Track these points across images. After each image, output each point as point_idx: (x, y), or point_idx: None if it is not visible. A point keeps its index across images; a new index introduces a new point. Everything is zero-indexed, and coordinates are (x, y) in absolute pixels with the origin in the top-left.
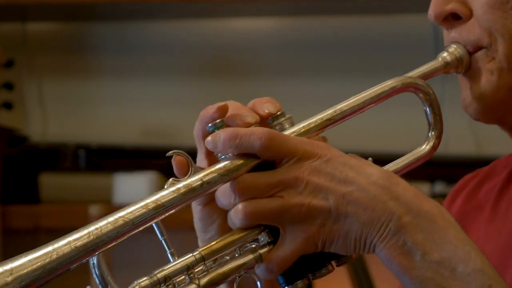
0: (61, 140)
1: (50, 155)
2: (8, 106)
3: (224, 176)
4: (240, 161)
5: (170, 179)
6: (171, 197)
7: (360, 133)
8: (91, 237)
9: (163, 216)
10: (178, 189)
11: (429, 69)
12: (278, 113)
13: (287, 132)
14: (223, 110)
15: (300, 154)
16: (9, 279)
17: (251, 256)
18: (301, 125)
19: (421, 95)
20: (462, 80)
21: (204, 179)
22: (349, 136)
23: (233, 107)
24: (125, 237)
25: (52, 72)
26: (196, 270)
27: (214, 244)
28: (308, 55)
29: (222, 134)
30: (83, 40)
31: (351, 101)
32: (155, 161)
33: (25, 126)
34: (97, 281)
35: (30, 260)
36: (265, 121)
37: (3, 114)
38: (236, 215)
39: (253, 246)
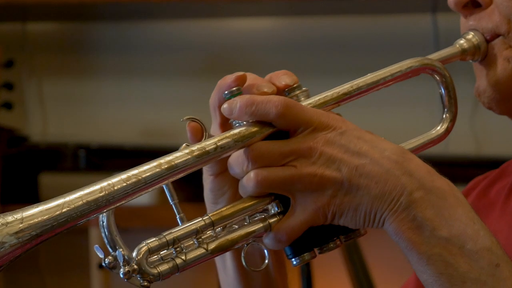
0: (61, 140)
1: (50, 155)
2: (8, 106)
3: (239, 142)
4: (255, 128)
5: (184, 144)
6: (184, 158)
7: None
8: (103, 192)
9: (175, 178)
10: (192, 151)
11: (445, 54)
12: (295, 85)
13: (303, 104)
14: (241, 80)
15: (315, 124)
16: (21, 226)
17: (260, 225)
18: (317, 98)
19: (437, 77)
20: (477, 68)
21: (218, 143)
22: None
23: (251, 78)
24: (136, 196)
25: (52, 72)
26: (204, 236)
27: (224, 210)
28: (308, 55)
29: (238, 100)
30: (83, 40)
31: (368, 77)
32: None
33: (25, 126)
34: (105, 241)
35: (41, 211)
36: (282, 93)
37: (3, 114)
38: (248, 182)
39: (263, 215)
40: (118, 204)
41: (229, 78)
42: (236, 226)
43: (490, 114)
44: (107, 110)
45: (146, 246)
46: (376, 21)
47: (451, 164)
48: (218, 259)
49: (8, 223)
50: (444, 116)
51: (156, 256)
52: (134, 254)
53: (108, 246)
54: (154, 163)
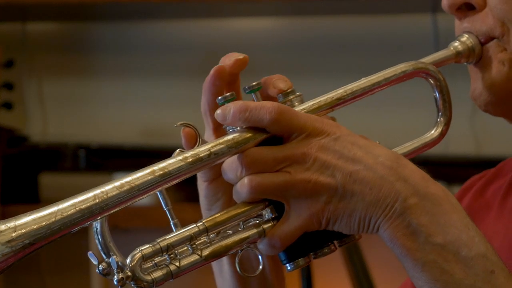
0: (61, 140)
1: (50, 155)
2: (8, 106)
3: (232, 148)
4: (249, 134)
5: (177, 150)
6: (178, 165)
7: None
8: (96, 200)
9: (169, 184)
10: (186, 157)
11: (440, 57)
12: (289, 90)
13: (297, 109)
14: (219, 74)
15: (309, 130)
16: (14, 235)
17: (254, 231)
18: (311, 103)
19: (431, 80)
20: (472, 70)
21: (212, 150)
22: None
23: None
24: (130, 203)
25: (52, 72)
26: (198, 242)
27: (218, 216)
28: (308, 55)
29: (232, 106)
30: (83, 40)
31: (362, 82)
32: (155, 161)
33: (25, 126)
34: (99, 247)
35: (34, 219)
36: (276, 98)
37: (3, 114)
38: (242, 188)
39: (257, 221)
40: (111, 211)
41: (207, 80)
42: (230, 232)
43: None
44: (107, 110)
45: (140, 253)
46: (376, 21)
47: (451, 164)
48: (215, 264)
49: (1, 232)
50: (438, 119)
51: (150, 262)
52: (128, 260)
53: (102, 253)
54: (147, 170)
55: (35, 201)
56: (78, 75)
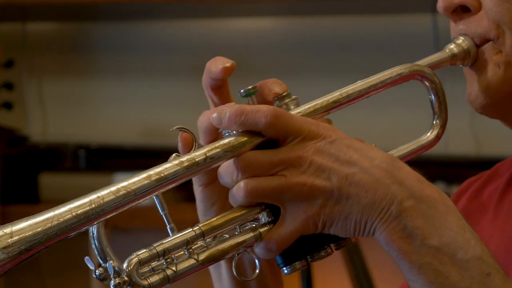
0: (61, 140)
1: (50, 155)
2: (8, 106)
3: (228, 152)
4: (244, 138)
5: (173, 154)
6: (174, 170)
7: (360, 133)
8: (93, 205)
9: (165, 189)
10: (182, 162)
11: (435, 59)
12: (284, 93)
13: (292, 113)
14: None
15: (304, 133)
16: (10, 241)
17: (251, 234)
18: (307, 106)
19: (427, 83)
20: (468, 73)
21: (207, 154)
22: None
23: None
24: (126, 208)
25: (52, 72)
26: (195, 246)
27: (214, 220)
28: (308, 55)
29: (228, 110)
30: (83, 40)
31: (358, 85)
32: (155, 161)
33: (25, 126)
34: (96, 252)
35: (30, 225)
36: (271, 101)
37: (3, 114)
38: (238, 192)
39: (253, 225)
40: (108, 216)
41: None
42: (227, 236)
43: None
44: (107, 110)
45: (136, 258)
46: (376, 21)
47: (451, 164)
48: (212, 269)
49: None
50: (434, 122)
51: (147, 267)
52: (124, 265)
53: (98, 258)
54: (143, 175)
55: (35, 201)
56: (78, 75)
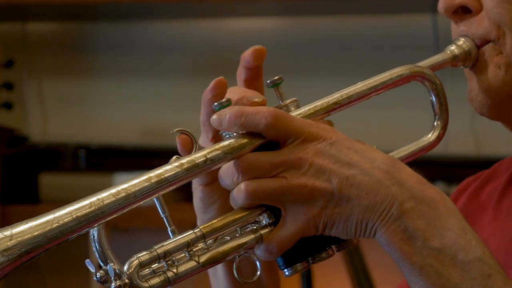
0: (61, 140)
1: (50, 155)
2: (8, 106)
3: (228, 154)
4: (245, 140)
5: (174, 157)
6: (174, 172)
7: (361, 133)
8: (93, 207)
9: (165, 191)
10: (182, 164)
11: (436, 61)
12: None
13: (293, 114)
14: (219, 86)
15: (305, 135)
16: (10, 244)
17: (251, 236)
18: (307, 108)
19: (427, 84)
20: (469, 74)
21: (208, 156)
22: (350, 135)
23: (239, 91)
24: (126, 210)
25: (52, 72)
26: (196, 248)
27: (215, 222)
28: (308, 55)
29: (228, 112)
30: (83, 40)
31: (358, 86)
32: (155, 161)
33: (25, 126)
34: (97, 255)
35: (30, 227)
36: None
37: (3, 114)
38: (239, 194)
39: (254, 226)
40: (108, 219)
41: (208, 89)
42: (228, 238)
43: None
44: (107, 110)
45: (137, 260)
46: (376, 21)
47: (451, 164)
48: (209, 270)
49: None
50: (435, 123)
51: (147, 269)
52: (125, 268)
53: (99, 260)
54: (143, 177)
55: (35, 201)
56: (78, 75)
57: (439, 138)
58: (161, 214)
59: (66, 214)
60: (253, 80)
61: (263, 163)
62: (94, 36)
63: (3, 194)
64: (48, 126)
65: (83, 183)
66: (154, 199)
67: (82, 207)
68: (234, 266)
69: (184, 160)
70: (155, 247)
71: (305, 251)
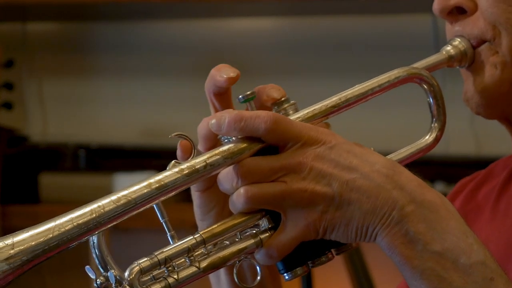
0: (61, 140)
1: (50, 155)
2: (8, 106)
3: (228, 159)
4: (244, 145)
5: (172, 161)
6: (174, 177)
7: (360, 133)
8: (93, 215)
9: (165, 197)
10: (182, 169)
11: (432, 61)
12: (283, 99)
13: (291, 118)
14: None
15: (304, 139)
16: (12, 252)
17: (251, 241)
18: (306, 111)
19: (425, 86)
20: (465, 74)
21: (207, 161)
22: (349, 136)
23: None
24: (127, 217)
25: (52, 72)
26: (196, 253)
27: (215, 227)
28: (308, 55)
29: (227, 116)
30: (83, 40)
31: (356, 89)
32: (155, 161)
33: (25, 126)
34: (97, 261)
35: (31, 235)
36: (270, 107)
37: (3, 114)
38: (238, 199)
39: (254, 231)
40: (109, 226)
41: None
42: (228, 243)
43: None
44: (107, 110)
45: (138, 267)
46: (376, 21)
47: (451, 164)
48: (212, 275)
49: None
50: (432, 125)
51: (148, 276)
52: (126, 274)
53: (99, 267)
54: (144, 183)
55: (35, 201)
56: (78, 75)
57: (436, 140)
58: (161, 219)
59: (67, 221)
60: (221, 95)
61: (263, 168)
62: (94, 36)
63: (3, 194)
64: (48, 126)
65: (83, 183)
66: (154, 205)
67: (83, 214)
68: (235, 271)
69: (184, 166)
70: (156, 253)
71: (304, 255)
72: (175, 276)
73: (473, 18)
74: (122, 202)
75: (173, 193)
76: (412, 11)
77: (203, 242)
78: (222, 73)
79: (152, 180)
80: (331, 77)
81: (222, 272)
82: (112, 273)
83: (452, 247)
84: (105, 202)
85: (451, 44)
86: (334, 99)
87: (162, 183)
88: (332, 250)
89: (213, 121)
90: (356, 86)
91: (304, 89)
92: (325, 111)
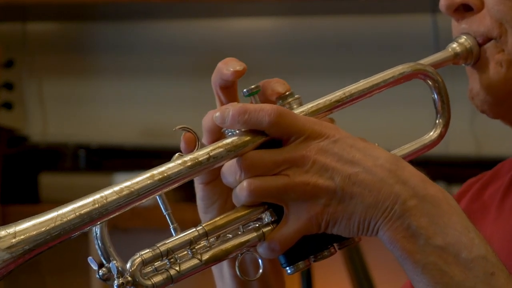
0: (61, 140)
1: (50, 155)
2: (8, 106)
3: (231, 152)
4: (248, 138)
5: (176, 154)
6: (177, 169)
7: (362, 131)
8: (96, 205)
9: (168, 189)
10: (185, 161)
11: (438, 58)
12: (287, 93)
13: (295, 112)
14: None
15: (308, 133)
16: (14, 241)
17: (254, 234)
18: (310, 105)
19: (430, 82)
20: (470, 71)
21: (211, 154)
22: (352, 133)
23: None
24: (129, 208)
25: (52, 72)
26: (198, 246)
27: (218, 220)
28: (308, 55)
29: (231, 109)
30: (83, 40)
31: (360, 84)
32: (155, 161)
33: (25, 126)
34: (99, 252)
35: (34, 225)
36: (274, 101)
37: (3, 114)
38: (241, 191)
39: (257, 224)
40: (111, 216)
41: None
42: (230, 236)
43: None
44: (107, 110)
45: (140, 258)
46: (376, 21)
47: (451, 164)
48: (215, 268)
49: (0, 238)
50: (437, 121)
51: (150, 267)
52: (128, 265)
53: (101, 258)
54: (146, 174)
55: (35, 201)
56: (78, 75)
57: (441, 136)
58: (164, 211)
59: (69, 211)
60: (227, 89)
61: (266, 161)
62: (94, 36)
63: (3, 194)
64: (48, 126)
65: (83, 183)
66: (157, 197)
67: (86, 204)
68: (237, 264)
69: (187, 158)
70: (158, 245)
71: (307, 249)
72: (177, 268)
73: (479, 16)
74: (124, 193)
75: (176, 185)
76: (412, 11)
77: (205, 234)
78: (228, 66)
79: (155, 172)
80: (331, 77)
81: (224, 265)
82: (114, 264)
83: (454, 241)
84: (107, 193)
85: (457, 42)
86: (338, 93)
87: (165, 174)
88: (335, 245)
89: (217, 114)
90: (361, 81)
91: (304, 89)
92: (329, 105)
